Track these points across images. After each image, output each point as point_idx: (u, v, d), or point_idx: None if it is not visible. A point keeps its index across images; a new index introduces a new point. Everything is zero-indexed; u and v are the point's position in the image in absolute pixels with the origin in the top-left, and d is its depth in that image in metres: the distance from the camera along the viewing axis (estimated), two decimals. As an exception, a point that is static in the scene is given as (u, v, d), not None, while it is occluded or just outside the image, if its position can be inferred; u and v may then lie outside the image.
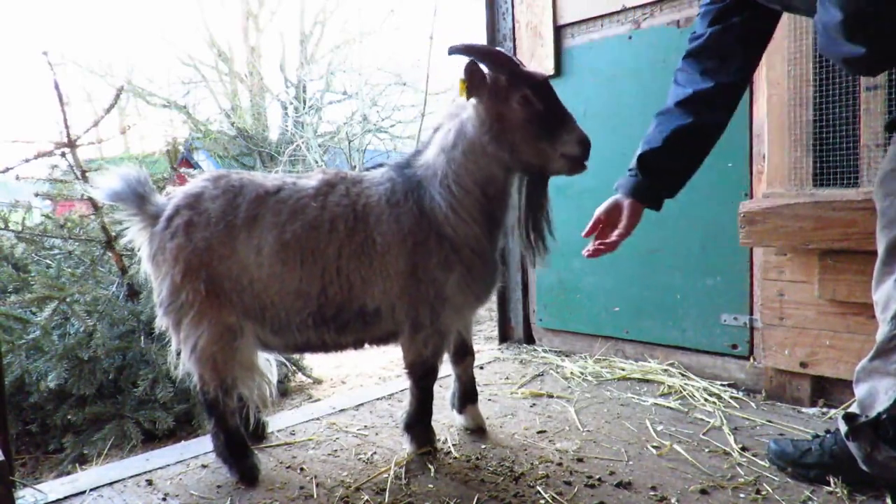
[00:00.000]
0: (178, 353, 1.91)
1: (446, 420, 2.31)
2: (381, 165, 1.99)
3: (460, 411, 2.21)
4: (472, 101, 1.78)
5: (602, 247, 1.76)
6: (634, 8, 2.80)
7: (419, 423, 2.02)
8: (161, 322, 1.91)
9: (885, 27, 1.22)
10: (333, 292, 1.83)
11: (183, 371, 1.93)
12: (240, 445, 1.91)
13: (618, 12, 2.86)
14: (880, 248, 1.59)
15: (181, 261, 1.80)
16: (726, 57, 1.68)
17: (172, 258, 1.82)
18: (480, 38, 3.42)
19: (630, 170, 1.77)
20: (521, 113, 1.72)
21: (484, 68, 1.73)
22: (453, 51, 1.73)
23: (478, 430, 2.19)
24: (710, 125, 1.72)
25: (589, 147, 1.71)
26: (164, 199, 1.93)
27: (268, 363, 2.13)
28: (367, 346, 2.00)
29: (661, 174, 1.75)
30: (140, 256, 1.96)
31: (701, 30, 1.73)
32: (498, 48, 1.81)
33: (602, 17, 2.92)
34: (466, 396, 2.20)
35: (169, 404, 2.61)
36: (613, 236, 1.75)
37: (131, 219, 1.94)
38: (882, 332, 1.56)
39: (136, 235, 1.95)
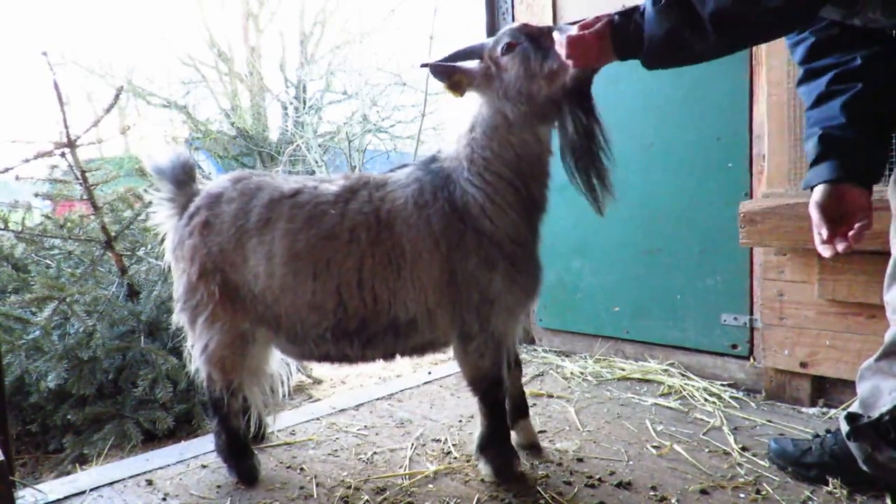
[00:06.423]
0: (193, 348, 1.91)
1: (446, 420, 2.31)
2: (405, 166, 1.86)
3: (511, 426, 1.99)
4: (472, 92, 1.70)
5: (851, 241, 1.41)
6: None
7: (493, 443, 1.82)
8: (177, 318, 1.91)
9: None
10: (354, 306, 1.72)
11: (193, 368, 1.93)
12: (241, 446, 1.91)
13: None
14: (894, 249, 1.57)
15: (197, 261, 1.79)
16: (848, 51, 1.47)
17: (189, 257, 1.81)
18: (480, 39, 3.40)
19: (815, 160, 1.48)
20: (513, 59, 1.62)
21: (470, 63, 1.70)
22: (433, 71, 1.69)
23: (531, 448, 2.01)
24: (883, 84, 1.45)
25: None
26: (196, 192, 1.91)
27: (283, 363, 2.11)
28: (399, 358, 1.86)
29: (856, 148, 1.44)
30: (164, 246, 1.96)
31: (801, 61, 1.57)
32: (466, 48, 1.74)
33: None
34: (517, 409, 2.01)
35: (169, 404, 2.60)
36: (857, 227, 1.41)
37: (163, 202, 1.93)
38: (891, 332, 1.56)
39: (164, 221, 1.95)
